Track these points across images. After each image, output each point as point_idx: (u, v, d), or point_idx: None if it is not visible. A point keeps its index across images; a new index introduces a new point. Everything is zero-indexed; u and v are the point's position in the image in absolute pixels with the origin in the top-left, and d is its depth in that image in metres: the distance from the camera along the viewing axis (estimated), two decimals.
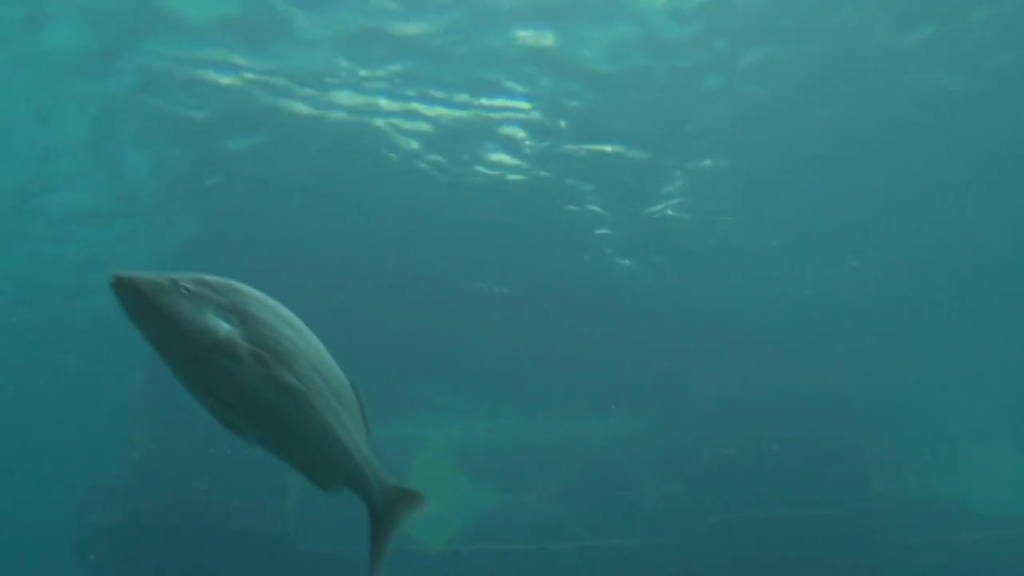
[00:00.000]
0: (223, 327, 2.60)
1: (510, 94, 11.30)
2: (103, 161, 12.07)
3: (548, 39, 10.36)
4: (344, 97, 11.16)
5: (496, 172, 12.87)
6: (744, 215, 14.05)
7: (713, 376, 16.97)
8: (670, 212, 13.81)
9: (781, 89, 11.34)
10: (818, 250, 15.09)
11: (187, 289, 2.59)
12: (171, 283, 2.56)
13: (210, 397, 2.65)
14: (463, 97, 11.30)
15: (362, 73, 10.77)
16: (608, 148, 12.39)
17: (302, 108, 11.26)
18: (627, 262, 14.91)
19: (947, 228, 14.76)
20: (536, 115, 11.73)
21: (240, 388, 2.63)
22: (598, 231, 14.23)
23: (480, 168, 12.74)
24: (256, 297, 2.76)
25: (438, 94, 11.21)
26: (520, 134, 12.18)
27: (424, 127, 11.83)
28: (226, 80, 10.72)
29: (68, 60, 10.12)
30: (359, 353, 16.32)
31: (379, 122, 11.67)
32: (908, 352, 18.14)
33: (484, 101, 11.42)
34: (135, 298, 2.50)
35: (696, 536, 15.18)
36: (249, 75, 10.65)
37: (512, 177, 12.97)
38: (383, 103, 11.30)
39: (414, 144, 12.11)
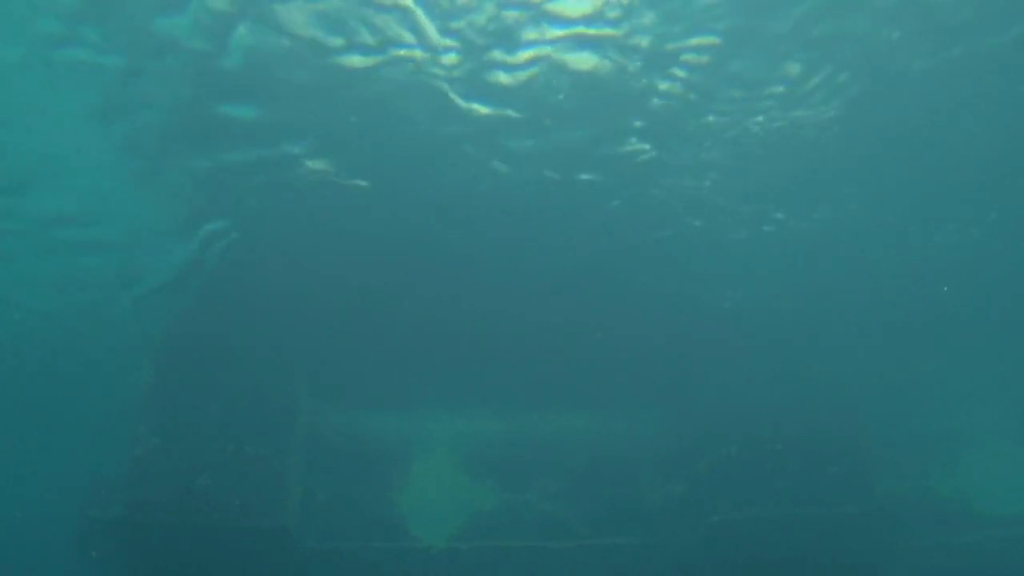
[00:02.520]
0: None
1: None
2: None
3: None
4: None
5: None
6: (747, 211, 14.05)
7: (715, 374, 16.94)
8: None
9: None
10: (821, 251, 15.10)
11: None
12: None
13: None
14: None
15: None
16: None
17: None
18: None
19: (948, 228, 14.76)
20: None
21: None
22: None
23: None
24: None
25: None
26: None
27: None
28: None
29: None
30: (358, 347, 16.23)
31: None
32: (911, 351, 18.12)
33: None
34: None
35: (697, 535, 15.19)
36: None
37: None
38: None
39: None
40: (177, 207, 13.21)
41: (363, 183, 12.85)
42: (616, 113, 11.99)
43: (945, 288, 15.35)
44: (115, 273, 14.86)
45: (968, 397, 20.08)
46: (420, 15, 10.37)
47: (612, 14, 10.48)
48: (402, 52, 10.85)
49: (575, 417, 18.80)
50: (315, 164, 12.53)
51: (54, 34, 10.11)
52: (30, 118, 11.31)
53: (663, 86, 11.53)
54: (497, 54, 10.95)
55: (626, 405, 18.27)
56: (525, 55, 11.03)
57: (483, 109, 11.74)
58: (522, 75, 11.30)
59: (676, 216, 13.94)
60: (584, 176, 13.06)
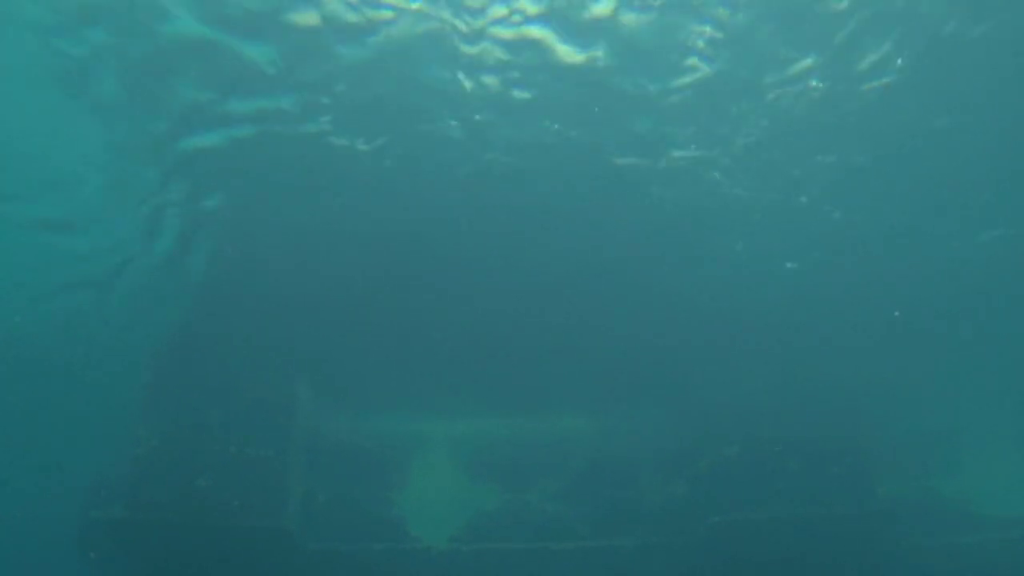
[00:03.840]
0: None
1: None
2: None
3: None
4: None
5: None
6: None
7: (716, 375, 16.96)
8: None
9: None
10: (822, 250, 15.10)
11: None
12: None
13: None
14: None
15: None
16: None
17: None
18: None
19: (948, 227, 14.76)
20: None
21: None
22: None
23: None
24: None
25: None
26: None
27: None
28: None
29: None
30: (359, 348, 16.15)
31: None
32: (912, 352, 18.12)
33: None
34: None
35: (697, 535, 15.18)
36: None
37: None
38: None
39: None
40: (149, 179, 12.86)
41: (364, 147, 12.39)
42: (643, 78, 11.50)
43: (896, 313, 15.30)
44: (85, 253, 14.60)
45: (969, 398, 20.08)
46: None
47: None
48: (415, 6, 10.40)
49: (576, 418, 18.81)
50: (311, 126, 11.98)
51: None
52: None
53: (699, 48, 11.09)
54: (503, 10, 10.51)
55: (627, 406, 18.27)
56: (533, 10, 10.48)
57: (491, 79, 11.46)
58: (531, 31, 10.63)
59: (712, 187, 13.53)
60: (599, 145, 12.63)
